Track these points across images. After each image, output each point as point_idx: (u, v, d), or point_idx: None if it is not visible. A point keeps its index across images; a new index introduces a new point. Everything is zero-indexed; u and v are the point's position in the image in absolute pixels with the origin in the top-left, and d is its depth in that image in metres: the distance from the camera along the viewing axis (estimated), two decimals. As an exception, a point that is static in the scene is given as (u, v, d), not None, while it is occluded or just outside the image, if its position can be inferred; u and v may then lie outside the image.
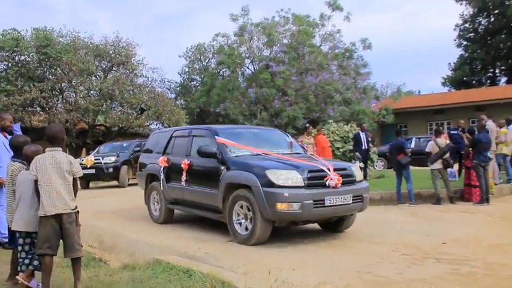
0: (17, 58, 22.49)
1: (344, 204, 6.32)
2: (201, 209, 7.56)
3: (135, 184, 16.93)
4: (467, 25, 43.23)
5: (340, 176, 6.32)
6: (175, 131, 9.01)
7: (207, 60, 36.88)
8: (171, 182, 8.16)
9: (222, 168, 6.81)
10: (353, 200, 6.43)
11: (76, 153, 24.55)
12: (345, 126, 15.71)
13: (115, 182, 17.09)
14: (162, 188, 8.30)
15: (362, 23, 72.15)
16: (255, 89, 23.37)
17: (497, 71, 43.56)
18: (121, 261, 5.72)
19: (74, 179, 4.30)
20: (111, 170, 16.24)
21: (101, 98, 23.50)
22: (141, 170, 9.51)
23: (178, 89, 37.17)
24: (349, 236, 6.91)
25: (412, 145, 18.54)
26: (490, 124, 11.47)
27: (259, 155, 7.16)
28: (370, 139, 14.67)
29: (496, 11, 40.47)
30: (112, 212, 10.32)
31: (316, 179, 6.21)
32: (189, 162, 7.62)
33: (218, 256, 5.72)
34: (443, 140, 10.55)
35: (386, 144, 19.80)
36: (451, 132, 12.88)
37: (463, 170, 11.13)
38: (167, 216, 8.45)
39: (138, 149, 17.82)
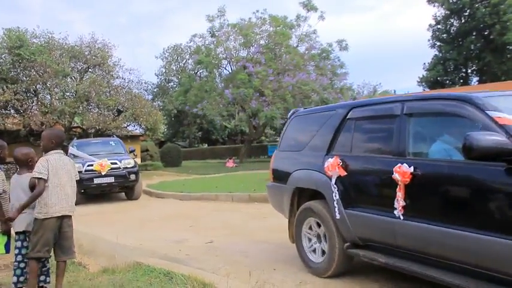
0: (-12, 59, 22.11)
1: None
2: (462, 274, 3.49)
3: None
4: (440, 26, 44.11)
5: None
6: (355, 107, 4.77)
7: (184, 61, 36.85)
8: (359, 208, 4.32)
9: None
10: None
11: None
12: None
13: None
14: (337, 216, 4.46)
15: (338, 24, 73.06)
16: (232, 89, 23.40)
17: (469, 71, 44.58)
18: (101, 265, 5.67)
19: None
20: (133, 177, 12.40)
21: (77, 100, 23.18)
22: (278, 180, 5.68)
23: (155, 90, 36.99)
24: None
25: None
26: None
27: None
28: None
29: (466, 13, 41.47)
30: (91, 215, 10.21)
31: None
32: (412, 170, 3.77)
33: (199, 258, 5.73)
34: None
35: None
36: None
37: None
38: (342, 265, 4.69)
39: (134, 149, 15.38)
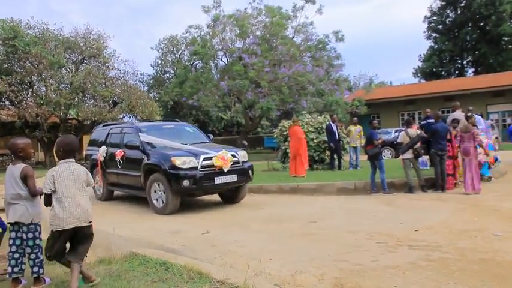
0: (-19, 50, 22.00)
1: None
2: None
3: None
4: (435, 17, 44.09)
5: None
6: None
7: (179, 52, 36.68)
8: None
9: None
10: None
11: (48, 148, 24.15)
12: (319, 117, 15.85)
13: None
14: None
15: (334, 15, 72.77)
16: (227, 81, 23.34)
17: (464, 62, 44.62)
18: (97, 256, 5.67)
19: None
20: (250, 173, 9.62)
21: (72, 92, 23.11)
22: None
23: (151, 81, 36.86)
24: (324, 226, 7.00)
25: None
26: (456, 114, 11.69)
27: None
28: (340, 130, 14.96)
29: (462, 4, 41.43)
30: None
31: None
32: None
33: (195, 248, 5.73)
34: (414, 131, 10.76)
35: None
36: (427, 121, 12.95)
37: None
38: None
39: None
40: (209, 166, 8.66)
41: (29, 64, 22.17)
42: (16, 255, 4.26)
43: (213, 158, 8.73)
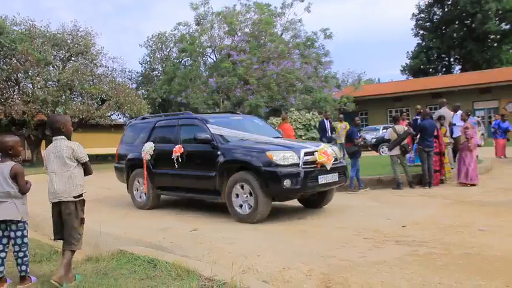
0: (-34, 47, 21.67)
1: None
2: None
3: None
4: (423, 15, 44.39)
5: None
6: None
7: (168, 50, 36.47)
8: None
9: None
10: None
11: (35, 146, 23.96)
12: (307, 114, 15.89)
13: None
14: None
15: (322, 12, 72.93)
16: (216, 78, 23.28)
17: (451, 59, 44.99)
18: (84, 254, 5.65)
19: (85, 164, 4.35)
20: (347, 172, 8.66)
21: (59, 89, 22.90)
22: None
23: (139, 78, 36.65)
24: (312, 222, 7.04)
25: None
26: (442, 111, 11.79)
27: None
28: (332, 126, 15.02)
29: (449, 2, 41.76)
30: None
31: None
32: None
33: (183, 245, 5.73)
34: (402, 127, 10.85)
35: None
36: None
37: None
38: None
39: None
40: (311, 162, 7.24)
41: (15, 61, 21.91)
42: (3, 254, 4.23)
43: (315, 153, 7.31)
